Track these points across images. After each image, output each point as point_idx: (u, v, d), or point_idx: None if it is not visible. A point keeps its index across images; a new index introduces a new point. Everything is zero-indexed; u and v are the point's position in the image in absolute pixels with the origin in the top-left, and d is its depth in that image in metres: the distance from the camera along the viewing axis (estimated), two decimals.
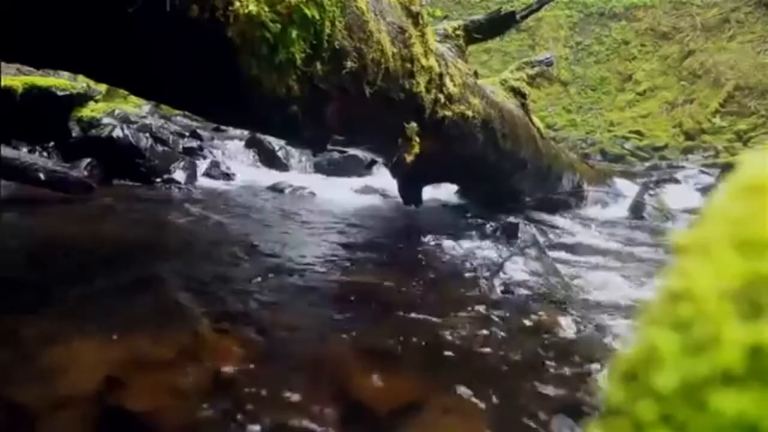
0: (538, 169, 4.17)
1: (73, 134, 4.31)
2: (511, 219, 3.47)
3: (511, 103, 3.94)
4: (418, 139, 2.75)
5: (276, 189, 4.39)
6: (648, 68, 12.40)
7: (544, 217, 4.09)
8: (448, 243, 2.87)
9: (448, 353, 1.56)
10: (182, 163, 4.41)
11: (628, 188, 5.27)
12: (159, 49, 1.60)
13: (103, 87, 5.05)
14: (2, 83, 3.74)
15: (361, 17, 2.09)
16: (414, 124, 2.70)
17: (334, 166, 5.32)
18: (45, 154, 4.01)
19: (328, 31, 1.88)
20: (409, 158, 2.75)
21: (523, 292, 2.16)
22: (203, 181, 4.42)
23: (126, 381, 1.26)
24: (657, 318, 0.28)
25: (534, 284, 2.25)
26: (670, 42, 12.54)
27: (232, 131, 5.84)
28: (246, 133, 5.38)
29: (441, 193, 4.40)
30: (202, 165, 4.67)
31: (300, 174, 5.22)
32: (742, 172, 0.29)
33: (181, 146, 4.86)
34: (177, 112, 6.25)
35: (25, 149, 3.84)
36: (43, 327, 1.49)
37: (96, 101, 4.81)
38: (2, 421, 1.11)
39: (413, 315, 1.85)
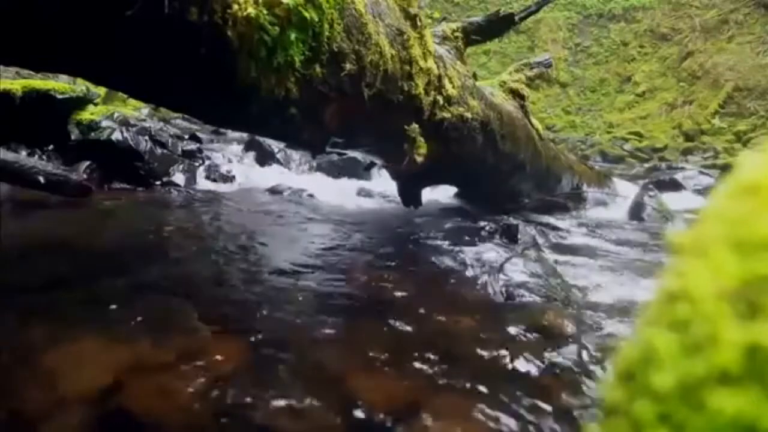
0: (537, 170, 4.17)
1: (72, 137, 4.31)
2: (511, 220, 3.47)
3: (510, 105, 3.94)
4: (422, 139, 2.75)
5: (275, 191, 4.39)
6: (647, 69, 12.42)
7: (544, 218, 4.09)
8: (447, 244, 2.87)
9: (446, 354, 1.56)
10: (181, 166, 4.42)
11: (628, 189, 5.27)
12: (157, 52, 1.61)
13: (102, 90, 5.06)
14: (1, 86, 3.74)
15: (359, 19, 2.09)
16: (415, 125, 2.70)
17: (334, 169, 5.33)
18: (44, 157, 4.02)
19: (326, 33, 1.89)
20: (419, 159, 2.75)
21: (523, 293, 2.16)
22: (202, 184, 4.42)
23: (126, 383, 1.26)
24: (655, 318, 0.28)
25: (534, 285, 2.25)
26: (669, 43, 12.57)
27: (231, 134, 5.85)
28: (245, 135, 5.38)
29: (440, 194, 4.41)
30: (202, 168, 4.67)
31: (299, 176, 5.22)
32: (740, 173, 0.29)
33: (180, 149, 4.86)
34: (176, 114, 6.25)
35: (24, 152, 3.84)
36: (44, 329, 1.49)
37: (95, 104, 4.82)
38: (3, 423, 1.11)
39: (412, 316, 1.85)
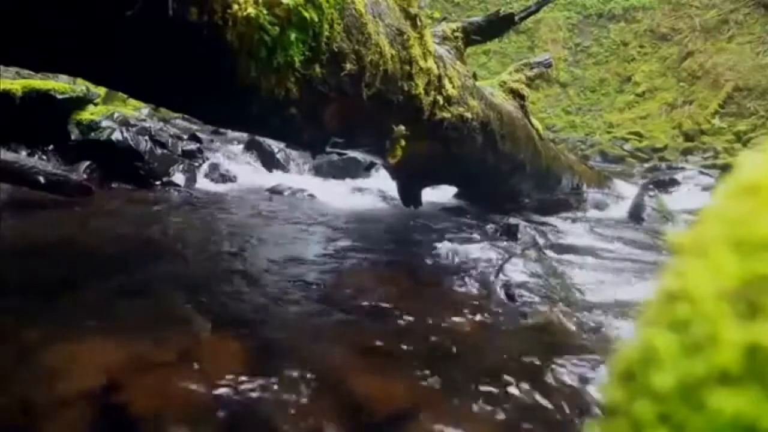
0: (537, 170, 4.17)
1: (72, 137, 4.31)
2: (511, 220, 3.47)
3: (510, 105, 3.94)
4: (403, 143, 2.73)
5: (275, 191, 4.39)
6: (647, 69, 12.42)
7: (544, 218, 4.09)
8: (447, 244, 2.87)
9: (447, 355, 1.56)
10: (181, 166, 4.41)
11: (628, 189, 5.27)
12: (157, 53, 1.60)
13: (102, 90, 5.05)
14: (1, 86, 3.74)
15: (359, 19, 2.09)
16: (402, 127, 2.68)
17: (334, 169, 5.32)
18: (44, 157, 4.01)
19: (326, 33, 1.88)
20: (392, 161, 2.75)
21: (523, 293, 2.16)
22: (203, 184, 4.42)
23: (126, 383, 1.26)
24: (655, 318, 0.28)
25: (533, 285, 2.25)
26: (669, 43, 12.56)
27: (231, 134, 5.84)
28: (245, 135, 5.38)
29: (440, 194, 4.41)
30: (202, 168, 4.67)
31: (299, 176, 5.22)
32: (740, 173, 0.29)
33: (180, 149, 4.85)
34: (176, 114, 6.25)
35: (24, 152, 3.84)
36: (44, 329, 1.49)
37: (95, 104, 4.81)
38: (3, 421, 1.11)
39: (412, 316, 1.85)
